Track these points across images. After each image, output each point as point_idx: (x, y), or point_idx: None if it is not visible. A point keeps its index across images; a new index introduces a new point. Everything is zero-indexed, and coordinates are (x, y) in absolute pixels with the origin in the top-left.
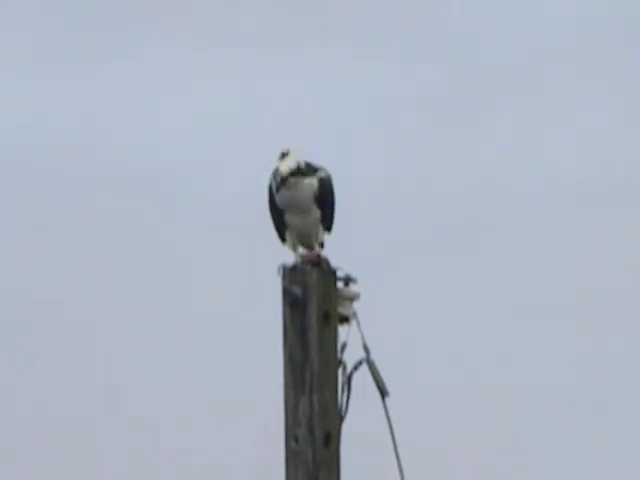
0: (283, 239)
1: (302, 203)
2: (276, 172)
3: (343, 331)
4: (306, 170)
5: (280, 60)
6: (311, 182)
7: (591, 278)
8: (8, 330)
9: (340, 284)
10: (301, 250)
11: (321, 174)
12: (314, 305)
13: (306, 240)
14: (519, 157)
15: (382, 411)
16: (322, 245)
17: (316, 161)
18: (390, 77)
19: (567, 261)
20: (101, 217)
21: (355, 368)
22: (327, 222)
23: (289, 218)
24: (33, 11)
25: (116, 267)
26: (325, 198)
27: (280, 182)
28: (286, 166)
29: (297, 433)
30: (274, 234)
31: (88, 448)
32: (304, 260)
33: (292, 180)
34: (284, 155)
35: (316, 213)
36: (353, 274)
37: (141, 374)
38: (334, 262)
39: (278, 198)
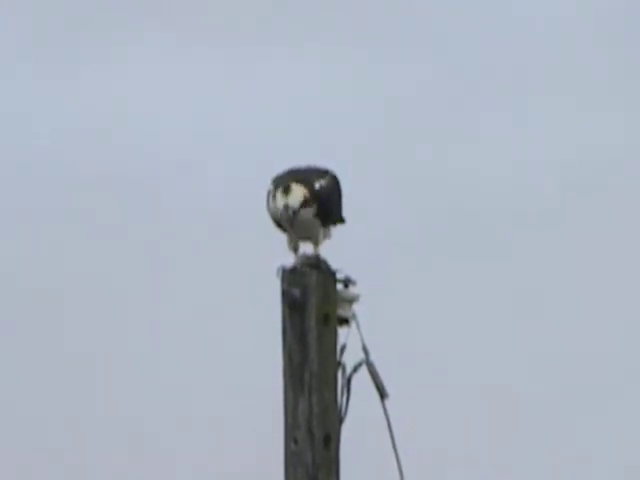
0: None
1: (305, 228)
2: (285, 207)
3: (342, 333)
4: (308, 199)
5: (271, 59)
6: (312, 209)
7: (590, 277)
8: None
9: (339, 286)
10: (301, 250)
11: (315, 185)
12: (313, 307)
13: (308, 240)
14: (518, 156)
15: (381, 413)
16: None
17: (313, 161)
18: (388, 76)
19: (567, 260)
20: (98, 217)
21: (354, 370)
22: (329, 222)
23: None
24: (16, 10)
25: (111, 270)
26: (320, 210)
27: (292, 216)
28: (296, 201)
29: (296, 434)
30: (273, 236)
31: (88, 447)
32: (303, 262)
33: (295, 217)
34: (286, 189)
35: (316, 223)
36: (353, 276)
37: (139, 376)
38: (333, 264)
39: (268, 209)
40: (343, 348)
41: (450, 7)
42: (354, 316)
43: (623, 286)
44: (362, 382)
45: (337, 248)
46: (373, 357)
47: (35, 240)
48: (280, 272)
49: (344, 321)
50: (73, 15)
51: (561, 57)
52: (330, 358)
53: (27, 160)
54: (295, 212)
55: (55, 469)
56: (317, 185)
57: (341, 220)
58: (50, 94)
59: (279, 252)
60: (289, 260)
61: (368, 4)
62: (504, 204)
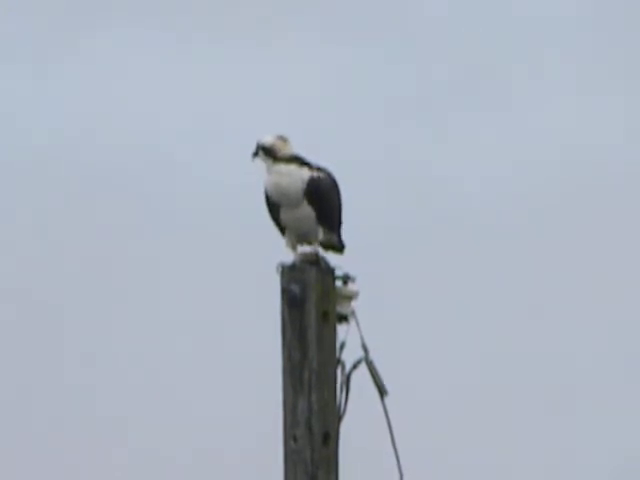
0: (284, 233)
1: (286, 192)
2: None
3: (342, 330)
4: (292, 159)
5: (271, 59)
6: (296, 171)
7: (589, 274)
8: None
9: (339, 283)
10: (300, 249)
11: (315, 173)
12: (313, 304)
13: (306, 240)
14: (515, 156)
15: (381, 410)
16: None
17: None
18: (388, 76)
19: (566, 259)
20: (98, 216)
21: (354, 367)
22: (327, 223)
23: (283, 215)
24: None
25: (110, 269)
26: (316, 197)
27: (255, 149)
28: (268, 138)
29: (296, 432)
30: (272, 233)
31: (87, 447)
32: (303, 259)
33: (275, 165)
34: (280, 137)
35: (307, 210)
36: (352, 273)
37: (139, 374)
38: (333, 261)
39: (264, 184)
40: (342, 345)
41: (449, 7)
42: (354, 313)
43: (622, 285)
44: (361, 380)
45: None
46: (372, 354)
47: (33, 239)
48: (280, 269)
49: (343, 318)
50: (61, 13)
51: (558, 56)
52: (329, 355)
53: (22, 160)
54: (260, 146)
55: (54, 468)
56: (315, 173)
57: (340, 247)
58: (35, 93)
59: (279, 249)
60: (288, 257)
61: (368, 4)
62: (503, 204)
